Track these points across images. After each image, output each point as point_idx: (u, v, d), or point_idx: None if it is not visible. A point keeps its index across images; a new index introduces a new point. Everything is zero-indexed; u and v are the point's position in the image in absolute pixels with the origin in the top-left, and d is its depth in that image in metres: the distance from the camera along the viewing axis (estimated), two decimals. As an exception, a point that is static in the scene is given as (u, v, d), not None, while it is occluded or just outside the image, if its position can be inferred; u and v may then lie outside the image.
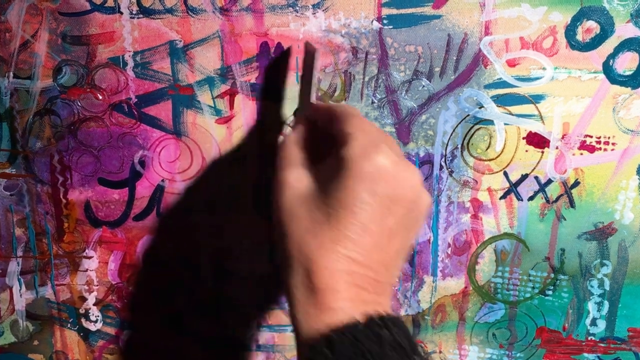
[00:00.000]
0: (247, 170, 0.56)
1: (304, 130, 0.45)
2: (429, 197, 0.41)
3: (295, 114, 0.53)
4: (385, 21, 0.52)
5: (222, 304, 0.59)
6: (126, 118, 0.55)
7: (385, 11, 0.52)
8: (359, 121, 0.41)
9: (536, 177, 0.55)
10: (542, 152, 0.55)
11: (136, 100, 0.54)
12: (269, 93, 0.54)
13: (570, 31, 0.52)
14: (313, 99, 0.49)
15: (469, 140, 0.55)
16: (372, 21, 0.52)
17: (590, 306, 0.58)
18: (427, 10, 0.52)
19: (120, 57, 0.54)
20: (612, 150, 0.55)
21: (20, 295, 0.59)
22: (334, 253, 0.37)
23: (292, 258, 0.39)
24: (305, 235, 0.39)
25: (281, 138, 0.45)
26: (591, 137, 0.54)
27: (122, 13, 0.53)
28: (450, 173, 0.55)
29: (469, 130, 0.54)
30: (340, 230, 0.37)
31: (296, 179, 0.41)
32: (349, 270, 0.37)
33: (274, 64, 0.53)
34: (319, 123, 0.45)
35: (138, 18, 0.53)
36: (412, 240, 0.42)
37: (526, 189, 0.56)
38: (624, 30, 0.52)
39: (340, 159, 0.39)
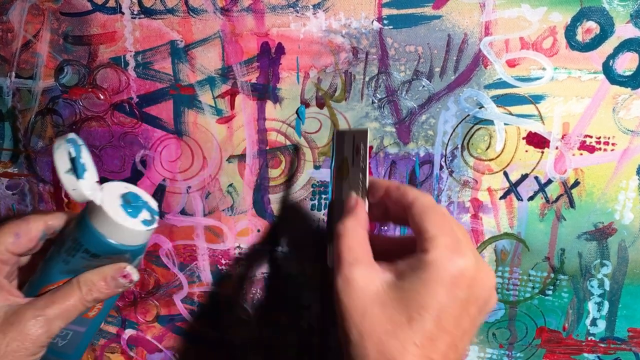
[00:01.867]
0: (247, 173, 0.56)
1: (364, 216, 0.44)
2: (496, 297, 0.41)
3: (340, 169, 0.50)
4: (385, 21, 0.52)
5: (221, 305, 0.59)
6: (127, 118, 0.55)
7: (386, 11, 0.52)
8: (441, 219, 0.40)
9: (536, 177, 0.55)
10: (542, 152, 0.55)
11: (137, 100, 0.55)
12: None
13: (570, 31, 0.52)
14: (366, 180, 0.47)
15: (469, 140, 0.55)
16: (372, 21, 0.52)
17: (590, 306, 0.58)
18: (427, 10, 0.52)
19: (122, 57, 0.54)
20: (612, 150, 0.55)
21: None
22: (418, 356, 0.37)
23: None
24: (385, 336, 0.38)
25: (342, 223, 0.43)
26: (591, 137, 0.54)
27: (123, 13, 0.53)
28: (451, 173, 0.56)
29: (469, 130, 0.55)
30: (423, 333, 0.37)
31: (366, 277, 0.40)
32: None
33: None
34: (388, 205, 0.45)
35: (139, 18, 0.53)
36: (474, 334, 0.42)
37: (526, 189, 0.56)
38: (623, 30, 0.52)
39: (422, 261, 0.38)
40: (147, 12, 0.53)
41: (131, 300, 0.59)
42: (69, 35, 0.54)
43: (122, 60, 0.54)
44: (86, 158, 0.43)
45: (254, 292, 0.59)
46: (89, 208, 0.43)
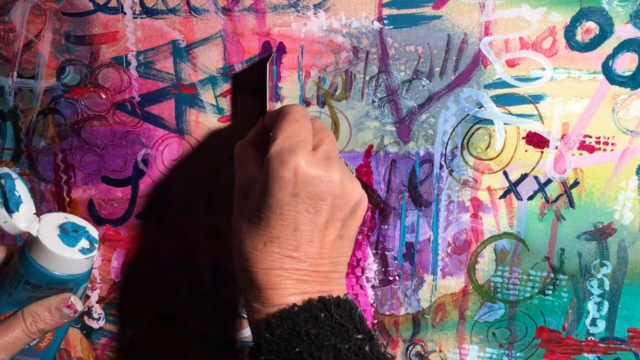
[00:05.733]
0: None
1: (260, 133, 0.48)
2: (356, 189, 0.43)
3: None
4: (385, 21, 0.53)
5: (222, 305, 0.59)
6: (129, 117, 0.55)
7: (386, 11, 0.52)
8: (285, 123, 0.43)
9: (536, 177, 0.56)
10: (542, 152, 0.55)
11: (139, 99, 0.55)
12: (249, 87, 0.55)
13: (569, 32, 0.52)
14: (270, 103, 0.51)
15: (468, 140, 0.55)
16: (372, 21, 0.53)
17: (590, 306, 0.58)
18: (428, 10, 0.52)
19: (124, 56, 0.54)
20: (612, 150, 0.55)
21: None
22: (268, 253, 0.41)
23: (235, 260, 0.43)
24: (243, 238, 0.42)
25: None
26: (590, 137, 0.55)
27: (125, 13, 0.53)
28: (450, 172, 0.56)
29: (469, 129, 0.55)
30: (272, 231, 0.41)
31: (243, 182, 0.44)
32: (285, 267, 0.41)
33: (259, 64, 0.54)
34: (268, 127, 0.47)
35: (141, 18, 0.53)
36: (351, 229, 0.44)
37: (526, 188, 0.56)
38: (623, 31, 0.52)
39: (265, 165, 0.41)
40: (149, 12, 0.53)
41: (132, 298, 0.60)
42: (70, 35, 0.54)
43: (124, 59, 0.54)
44: (22, 190, 0.45)
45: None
46: (28, 240, 0.44)
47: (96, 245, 0.47)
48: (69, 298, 0.46)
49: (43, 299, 0.45)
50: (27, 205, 0.45)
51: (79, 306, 0.46)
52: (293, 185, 0.40)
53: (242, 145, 0.47)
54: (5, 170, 0.45)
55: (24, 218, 0.44)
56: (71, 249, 0.45)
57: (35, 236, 0.43)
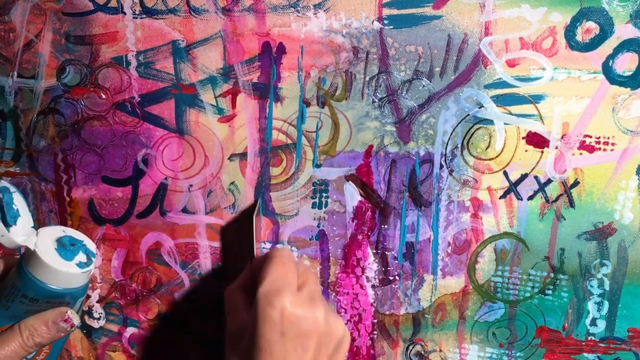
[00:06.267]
0: (248, 171, 0.56)
1: (248, 277, 0.49)
2: (340, 326, 0.45)
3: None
4: (385, 21, 0.53)
5: (222, 305, 0.59)
6: (129, 117, 0.55)
7: (386, 11, 0.52)
8: (271, 266, 0.45)
9: (536, 177, 0.56)
10: (542, 152, 0.55)
11: (139, 99, 0.55)
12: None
13: (569, 32, 0.52)
14: (258, 247, 0.54)
15: (469, 140, 0.55)
16: (372, 21, 0.53)
17: (590, 306, 0.58)
18: (428, 10, 0.52)
19: (124, 56, 0.54)
20: (612, 150, 0.55)
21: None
22: None
23: None
24: None
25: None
26: (590, 137, 0.55)
27: (125, 13, 0.53)
28: (451, 172, 0.56)
29: (469, 129, 0.55)
30: None
31: (234, 327, 0.46)
32: None
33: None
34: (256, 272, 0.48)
35: (141, 18, 0.53)
36: None
37: (526, 188, 0.56)
38: (623, 31, 0.52)
39: (253, 307, 0.43)
40: (149, 12, 0.53)
41: (133, 298, 0.60)
42: (70, 35, 0.54)
43: (124, 59, 0.54)
44: (19, 204, 0.45)
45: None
46: (25, 253, 0.44)
47: (93, 259, 0.47)
48: (66, 312, 0.46)
49: (40, 313, 0.46)
50: (25, 218, 0.45)
51: (76, 320, 0.46)
52: (280, 324, 0.42)
53: (232, 290, 0.49)
54: (4, 184, 0.45)
55: (21, 232, 0.44)
56: (68, 262, 0.45)
57: (33, 250, 0.43)
